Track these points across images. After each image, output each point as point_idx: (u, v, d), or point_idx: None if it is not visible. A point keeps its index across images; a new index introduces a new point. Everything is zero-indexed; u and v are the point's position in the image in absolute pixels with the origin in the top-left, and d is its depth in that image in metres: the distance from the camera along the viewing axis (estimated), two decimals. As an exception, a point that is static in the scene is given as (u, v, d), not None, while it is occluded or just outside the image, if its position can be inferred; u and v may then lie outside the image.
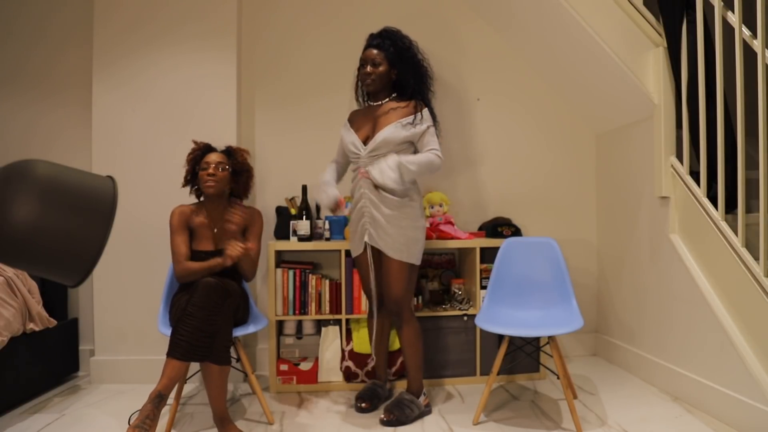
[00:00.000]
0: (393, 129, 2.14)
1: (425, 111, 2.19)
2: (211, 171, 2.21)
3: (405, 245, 2.16)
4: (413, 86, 2.23)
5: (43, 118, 2.96)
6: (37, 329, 2.45)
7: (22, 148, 2.93)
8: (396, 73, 2.23)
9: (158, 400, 1.83)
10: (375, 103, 2.26)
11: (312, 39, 3.08)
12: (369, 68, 2.19)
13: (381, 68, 2.19)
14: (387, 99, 2.25)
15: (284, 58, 3.07)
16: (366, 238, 2.20)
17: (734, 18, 2.11)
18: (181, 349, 1.89)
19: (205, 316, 1.92)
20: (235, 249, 2.08)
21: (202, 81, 2.81)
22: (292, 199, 2.87)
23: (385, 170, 2.07)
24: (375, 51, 2.20)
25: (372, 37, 2.26)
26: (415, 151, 2.22)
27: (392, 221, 2.15)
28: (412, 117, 2.16)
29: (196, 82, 2.81)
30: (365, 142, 2.21)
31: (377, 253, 2.22)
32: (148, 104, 2.79)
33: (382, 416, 2.17)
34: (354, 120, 2.31)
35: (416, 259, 2.21)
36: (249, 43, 3.02)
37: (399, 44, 2.21)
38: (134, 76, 2.79)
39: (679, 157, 2.47)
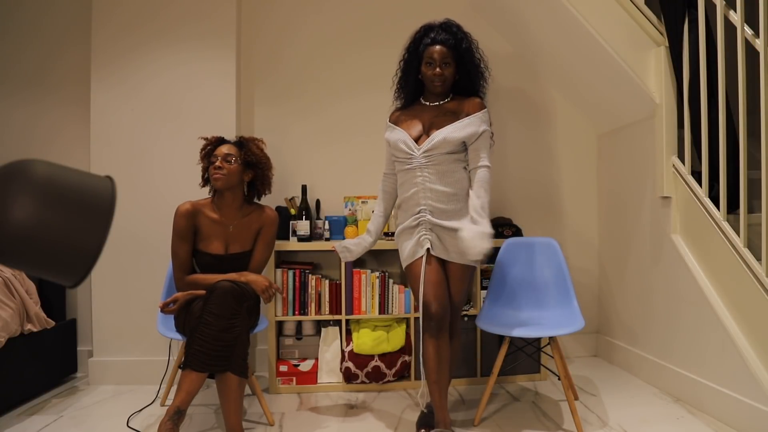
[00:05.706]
0: (452, 128, 1.97)
1: (486, 112, 2.03)
2: (218, 164, 2.08)
3: None
4: (477, 88, 2.08)
5: (41, 116, 2.94)
6: (35, 330, 2.44)
7: (20, 146, 2.92)
8: (458, 73, 2.05)
9: (177, 416, 1.75)
10: (431, 103, 2.08)
11: (312, 38, 3.07)
12: (438, 69, 1.98)
13: (452, 68, 2.01)
14: (447, 99, 2.08)
15: (284, 56, 3.06)
16: (428, 246, 1.98)
17: (736, 17, 2.10)
18: (198, 360, 1.79)
19: (223, 324, 1.83)
20: (260, 284, 2.01)
21: (200, 78, 2.80)
22: (292, 199, 2.86)
23: (477, 243, 1.83)
24: (445, 49, 1.98)
25: (435, 30, 2.03)
26: (466, 151, 2.03)
27: (453, 232, 1.96)
28: (473, 116, 1.99)
29: (195, 80, 2.79)
30: (417, 141, 2.01)
31: (439, 259, 2.02)
32: (146, 102, 2.77)
33: None
34: (400, 120, 2.10)
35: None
36: (248, 41, 3.01)
37: (464, 43, 2.02)
38: (132, 74, 2.77)
39: (681, 156, 2.46)
